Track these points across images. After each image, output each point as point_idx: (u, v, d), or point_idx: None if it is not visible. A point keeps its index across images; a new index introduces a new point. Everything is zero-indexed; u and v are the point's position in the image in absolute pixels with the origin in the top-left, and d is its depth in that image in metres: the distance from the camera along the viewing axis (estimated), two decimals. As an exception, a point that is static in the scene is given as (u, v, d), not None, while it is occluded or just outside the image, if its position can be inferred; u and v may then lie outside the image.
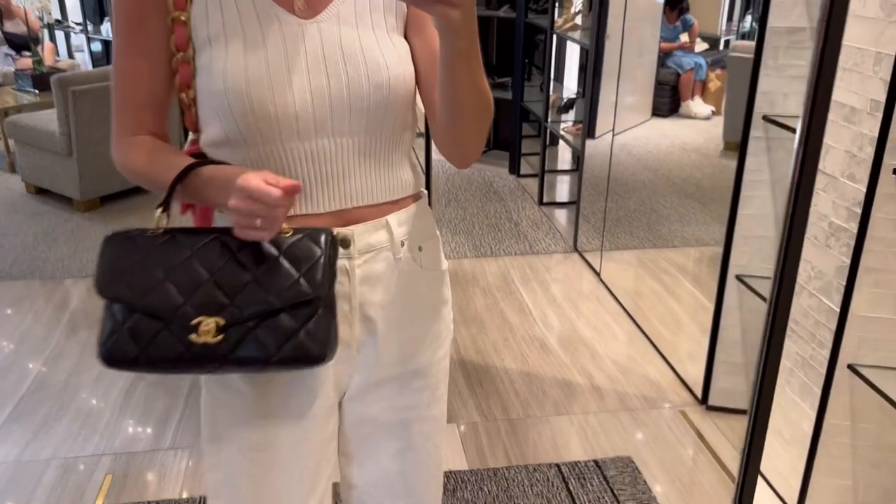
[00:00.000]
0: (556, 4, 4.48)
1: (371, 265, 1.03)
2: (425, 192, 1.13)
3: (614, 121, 3.61)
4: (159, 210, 0.95)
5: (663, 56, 5.53)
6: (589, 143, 3.91)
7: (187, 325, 0.90)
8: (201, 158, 0.99)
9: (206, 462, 1.09)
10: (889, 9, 1.67)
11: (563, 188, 4.89)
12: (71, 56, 7.57)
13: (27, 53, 5.89)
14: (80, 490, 2.15)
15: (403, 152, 1.07)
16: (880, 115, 1.70)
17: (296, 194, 0.87)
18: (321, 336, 0.92)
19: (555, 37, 4.51)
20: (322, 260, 0.92)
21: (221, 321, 0.90)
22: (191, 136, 1.04)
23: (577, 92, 5.24)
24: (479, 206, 4.40)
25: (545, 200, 4.48)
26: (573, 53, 5.19)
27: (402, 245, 1.06)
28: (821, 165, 1.91)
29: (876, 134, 1.72)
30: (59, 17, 7.44)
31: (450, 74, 0.91)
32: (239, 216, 0.87)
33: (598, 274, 3.51)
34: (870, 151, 1.74)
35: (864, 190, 1.76)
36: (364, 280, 1.03)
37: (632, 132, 4.25)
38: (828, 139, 1.88)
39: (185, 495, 2.12)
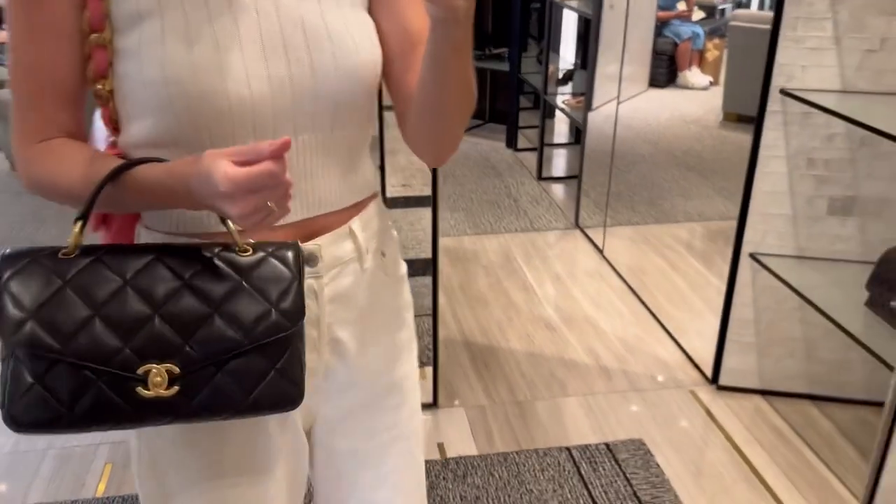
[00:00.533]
0: (554, -28, 4.37)
1: (338, 281, 0.91)
2: (378, 188, 1.01)
3: (619, 90, 3.53)
4: (78, 224, 0.76)
5: (660, 25, 5.44)
6: (589, 115, 3.82)
7: (130, 375, 0.73)
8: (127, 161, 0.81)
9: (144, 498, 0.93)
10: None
11: (560, 162, 4.82)
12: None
13: (5, 27, 5.71)
14: (80, 479, 2.09)
15: (366, 147, 0.95)
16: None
17: (287, 152, 0.70)
18: (297, 374, 0.79)
19: (552, 5, 4.40)
20: (294, 285, 0.79)
21: (175, 368, 0.74)
22: (106, 136, 0.87)
23: (575, 63, 5.15)
24: (476, 181, 4.32)
25: (544, 175, 4.41)
26: (569, 23, 5.08)
27: (367, 253, 0.93)
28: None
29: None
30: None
31: (440, 69, 0.79)
32: (247, 214, 0.71)
33: (600, 251, 3.46)
34: None
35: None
36: (333, 299, 0.90)
37: (629, 103, 4.15)
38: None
39: (188, 485, 2.07)
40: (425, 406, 2.37)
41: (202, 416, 0.77)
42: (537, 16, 5.32)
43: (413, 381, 1.05)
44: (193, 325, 0.74)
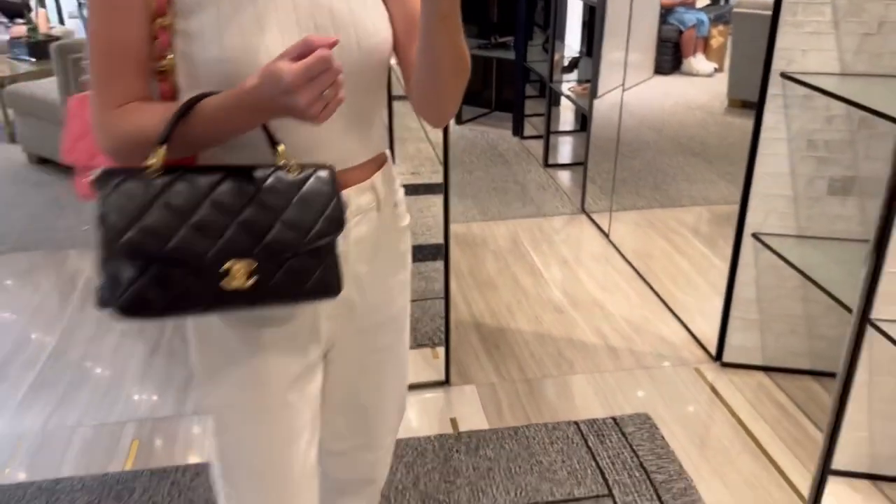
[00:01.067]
0: (560, -38, 4.42)
1: (360, 227, 1.08)
2: (388, 151, 1.17)
3: (624, 77, 3.58)
4: (162, 147, 0.88)
5: (665, 12, 5.48)
6: (594, 102, 3.88)
7: (216, 271, 0.87)
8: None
9: (204, 404, 1.10)
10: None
11: (566, 149, 4.88)
12: (62, 22, 7.44)
13: (20, 21, 5.79)
14: (109, 455, 2.18)
15: (379, 111, 1.11)
16: None
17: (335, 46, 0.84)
18: (337, 270, 0.98)
19: (558, -5, 4.45)
20: (335, 199, 0.96)
21: (252, 264, 0.89)
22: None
23: (580, 51, 5.20)
24: (484, 169, 4.39)
25: (550, 162, 4.47)
26: (575, 11, 5.13)
27: (384, 205, 1.11)
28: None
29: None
30: (49, -18, 7.29)
31: (430, 36, 0.92)
32: (311, 102, 0.82)
33: (606, 235, 3.53)
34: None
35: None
36: (357, 241, 1.08)
37: (634, 91, 4.21)
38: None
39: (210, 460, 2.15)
40: (438, 384, 2.47)
41: (269, 302, 0.93)
42: (543, 4, 5.37)
43: (407, 312, 1.27)
44: (261, 231, 0.89)
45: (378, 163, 1.11)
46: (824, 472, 1.83)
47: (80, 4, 7.14)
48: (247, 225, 0.89)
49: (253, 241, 0.89)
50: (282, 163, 0.94)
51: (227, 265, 0.88)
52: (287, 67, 0.81)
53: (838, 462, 2.07)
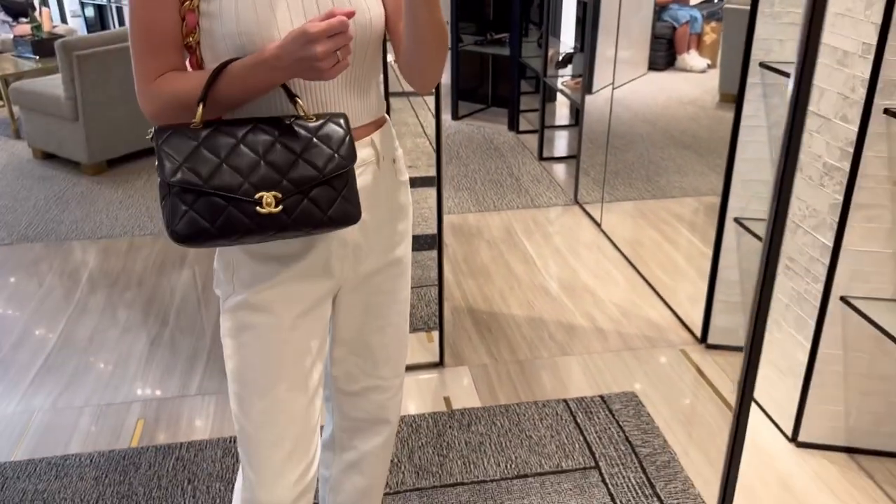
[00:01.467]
0: (553, -41, 4.50)
1: (363, 177, 1.22)
2: (387, 115, 1.32)
3: (614, 74, 3.67)
4: (200, 105, 1.06)
5: (659, 9, 5.55)
6: (587, 98, 3.97)
7: (251, 200, 1.04)
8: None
9: (224, 327, 1.24)
10: (880, -46, 1.74)
11: (561, 143, 4.96)
12: (64, 21, 7.53)
13: (24, 20, 5.88)
14: (115, 433, 2.27)
15: (375, 80, 1.25)
16: (871, 58, 1.79)
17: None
18: (355, 200, 1.13)
19: (552, -8, 4.54)
20: (347, 138, 1.12)
21: (279, 195, 1.06)
22: None
23: (574, 46, 5.28)
24: (480, 162, 4.47)
25: (545, 155, 4.56)
26: (569, 7, 5.21)
27: (383, 159, 1.26)
28: (815, 108, 2.00)
29: (867, 76, 1.81)
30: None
31: (413, 10, 1.09)
32: (327, 53, 0.99)
33: (598, 225, 3.61)
34: (862, 93, 1.83)
35: (857, 130, 1.86)
36: (360, 189, 1.20)
37: (629, 86, 4.30)
38: (822, 82, 1.97)
39: (213, 436, 2.24)
40: (432, 365, 2.55)
41: (297, 228, 1.08)
42: (538, 1, 5.45)
43: (409, 259, 1.39)
44: (286, 167, 1.07)
45: (377, 124, 1.26)
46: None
47: (82, 4, 7.23)
48: (272, 162, 1.06)
49: (279, 175, 1.06)
50: (301, 113, 1.11)
51: (258, 195, 1.05)
52: (312, 24, 0.99)
53: (814, 435, 2.17)
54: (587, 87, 4.00)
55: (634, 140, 4.47)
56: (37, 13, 5.79)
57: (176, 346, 2.69)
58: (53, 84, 4.22)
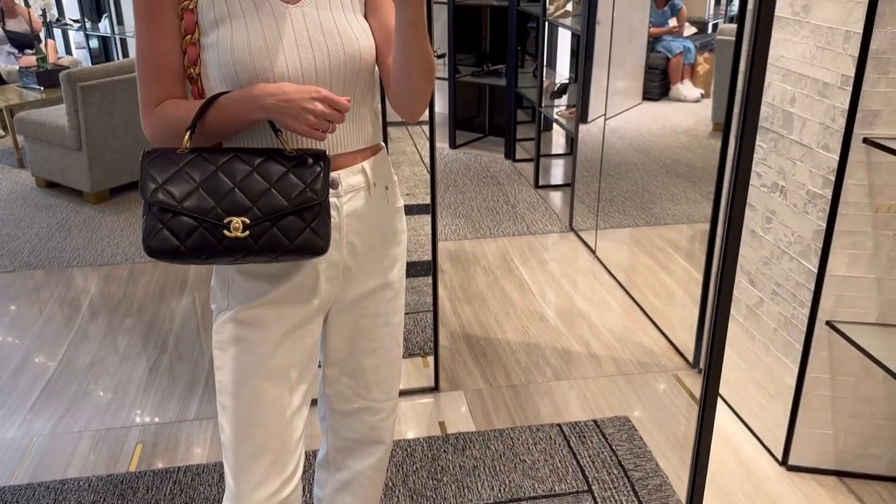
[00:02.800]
0: (548, -8, 4.61)
1: (353, 202, 1.28)
2: (383, 144, 1.37)
3: (606, 105, 3.75)
4: (188, 132, 1.14)
5: (653, 41, 5.65)
6: (582, 127, 4.04)
7: (220, 223, 1.11)
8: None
9: (216, 339, 1.29)
10: (856, -9, 1.81)
11: (557, 171, 5.03)
12: (68, 52, 7.66)
13: (29, 51, 5.99)
14: (114, 458, 2.29)
15: (368, 109, 1.30)
16: (850, 89, 1.85)
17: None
18: (323, 233, 1.17)
19: (547, 24, 4.64)
20: (321, 174, 1.17)
21: (247, 220, 1.12)
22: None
23: (570, 77, 5.37)
24: (476, 190, 4.54)
25: (541, 183, 4.62)
26: (565, 40, 5.32)
27: (374, 185, 1.31)
28: (797, 137, 2.06)
29: (847, 106, 1.87)
30: (57, 15, 7.53)
31: (402, 39, 1.15)
32: (315, 116, 1.09)
33: (593, 251, 3.66)
34: (842, 123, 1.89)
35: (837, 158, 1.91)
36: (349, 214, 1.28)
37: (623, 116, 4.38)
38: (804, 113, 2.03)
39: (211, 461, 2.27)
40: (428, 390, 2.59)
41: (263, 254, 1.14)
42: (534, 34, 5.56)
43: (402, 284, 1.43)
44: (257, 195, 1.13)
45: (372, 151, 1.32)
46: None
47: (86, 36, 7.37)
48: (244, 189, 1.13)
49: (249, 202, 1.13)
50: (282, 147, 1.18)
51: (227, 219, 1.11)
52: (325, 93, 1.10)
53: (804, 459, 2.19)
54: (582, 117, 4.08)
55: (629, 168, 4.54)
56: (42, 45, 5.90)
57: (175, 372, 2.72)
58: (58, 114, 4.31)
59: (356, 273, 1.33)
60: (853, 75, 1.84)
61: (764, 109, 2.21)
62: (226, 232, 1.11)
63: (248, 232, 1.12)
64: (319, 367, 1.44)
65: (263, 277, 1.25)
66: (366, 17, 1.27)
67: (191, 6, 1.16)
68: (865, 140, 1.87)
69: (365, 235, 1.31)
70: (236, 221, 1.11)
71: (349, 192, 1.27)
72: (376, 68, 1.29)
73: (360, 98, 1.27)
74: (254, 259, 1.15)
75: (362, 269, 1.33)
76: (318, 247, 1.17)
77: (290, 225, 1.14)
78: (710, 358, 1.54)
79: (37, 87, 5.27)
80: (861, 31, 1.81)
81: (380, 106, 3.92)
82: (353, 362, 1.42)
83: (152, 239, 1.11)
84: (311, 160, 1.17)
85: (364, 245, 1.31)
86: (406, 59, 1.18)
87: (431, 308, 2.64)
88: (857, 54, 1.83)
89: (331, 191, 1.22)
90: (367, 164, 1.29)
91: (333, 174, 1.24)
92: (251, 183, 1.13)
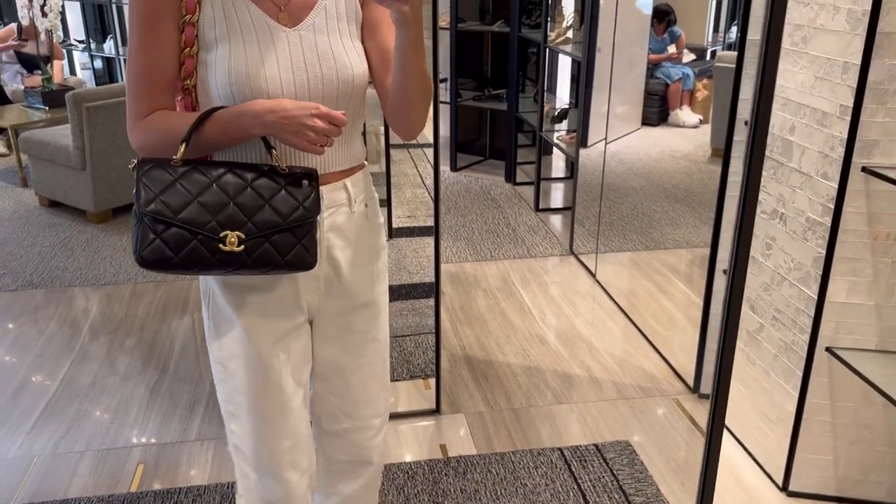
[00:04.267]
0: (549, 19, 4.67)
1: (334, 217, 1.32)
2: (366, 162, 1.42)
3: (606, 130, 3.79)
4: (183, 144, 1.17)
5: (652, 67, 5.72)
6: (582, 151, 4.08)
7: (215, 237, 1.14)
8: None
9: (212, 357, 1.35)
10: (854, 22, 1.85)
11: (557, 195, 5.07)
12: (73, 73, 7.72)
13: (38, 72, 6.05)
14: (115, 478, 2.29)
15: (357, 131, 1.35)
16: (849, 119, 1.89)
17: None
18: (313, 248, 1.23)
19: (547, 50, 4.70)
20: (313, 193, 1.22)
21: (242, 235, 1.16)
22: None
23: (570, 102, 5.43)
24: (477, 213, 4.57)
25: (541, 207, 4.65)
26: (565, 66, 5.38)
27: (355, 202, 1.35)
28: (797, 165, 2.09)
29: (846, 135, 1.90)
30: (63, 36, 7.61)
31: (401, 60, 1.20)
32: (315, 132, 1.14)
33: (593, 275, 3.68)
34: (840, 152, 1.92)
35: (836, 187, 1.94)
36: (330, 228, 1.32)
37: (623, 141, 4.42)
38: (803, 141, 2.06)
39: (212, 482, 2.27)
40: (429, 412, 2.59)
41: (255, 268, 1.17)
42: (535, 59, 5.63)
43: (385, 301, 1.47)
44: (253, 211, 1.17)
45: (352, 171, 1.36)
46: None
47: (91, 57, 7.43)
48: (240, 204, 1.16)
49: (245, 217, 1.16)
50: (275, 164, 1.22)
51: (223, 233, 1.15)
52: (324, 109, 1.14)
53: (805, 485, 2.20)
54: (582, 142, 4.12)
55: (628, 193, 4.58)
56: (49, 66, 5.95)
57: (176, 393, 2.73)
58: (62, 134, 4.34)
59: (338, 287, 1.37)
60: (851, 105, 1.88)
61: (764, 137, 2.24)
62: (221, 245, 1.14)
63: (242, 246, 1.15)
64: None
65: (247, 291, 1.29)
66: (363, 40, 1.31)
67: (193, 20, 1.19)
68: (864, 169, 1.90)
69: (346, 250, 1.35)
70: (231, 236, 1.15)
71: (331, 208, 1.31)
72: (367, 91, 1.34)
73: (351, 120, 1.30)
74: (245, 272, 1.19)
75: (347, 285, 1.38)
76: (308, 262, 1.22)
77: (282, 241, 1.18)
78: (716, 388, 1.55)
79: (42, 106, 5.31)
80: (859, 63, 1.84)
81: (382, 128, 3.96)
82: (341, 380, 1.45)
83: (144, 249, 1.13)
84: (304, 179, 1.22)
85: (346, 260, 1.36)
86: (405, 79, 1.22)
87: (433, 330, 2.65)
88: (855, 85, 1.86)
89: None
90: (348, 181, 1.34)
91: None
92: (247, 199, 1.17)
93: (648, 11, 4.80)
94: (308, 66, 1.23)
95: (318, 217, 1.27)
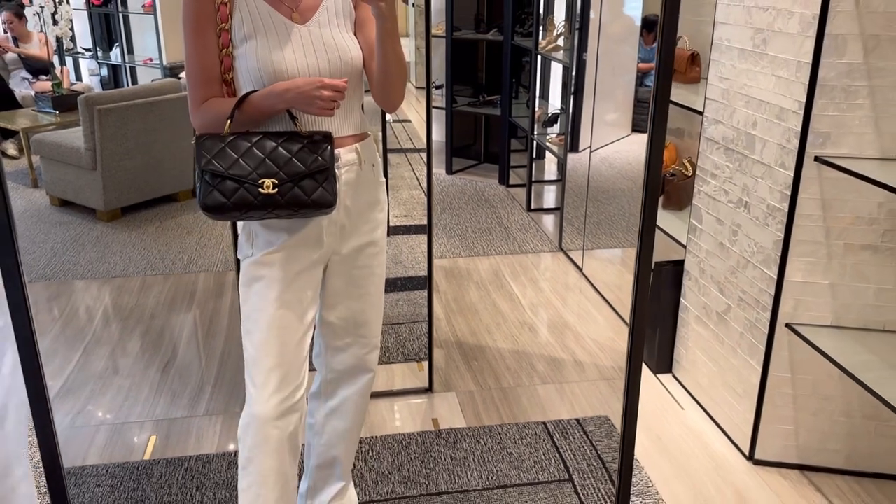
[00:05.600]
0: (540, 28, 4.88)
1: (348, 174, 1.66)
2: (370, 132, 1.74)
3: (591, 135, 3.99)
4: (228, 121, 1.51)
5: (641, 76, 5.94)
6: (573, 155, 4.27)
7: (255, 184, 1.49)
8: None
9: (243, 279, 1.65)
10: (805, 25, 2.05)
11: (549, 196, 5.26)
12: (79, 79, 7.93)
13: (44, 77, 6.25)
14: (129, 448, 2.47)
15: (357, 103, 1.68)
16: (802, 114, 2.08)
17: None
18: (332, 190, 1.56)
19: (539, 57, 4.91)
20: (329, 148, 1.56)
21: (276, 181, 1.50)
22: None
23: (561, 108, 5.63)
24: (471, 212, 4.75)
25: (533, 207, 4.84)
26: (557, 72, 5.58)
27: (364, 162, 1.68)
28: (759, 157, 2.28)
29: (800, 128, 2.09)
30: (72, 44, 7.82)
31: (380, 45, 1.53)
32: (322, 100, 1.47)
33: (580, 269, 3.87)
34: (796, 143, 2.11)
35: (793, 175, 2.13)
36: (345, 183, 1.65)
37: (613, 146, 4.62)
38: (764, 135, 2.25)
39: (220, 451, 2.44)
40: (422, 391, 2.76)
41: (287, 207, 1.51)
42: (528, 67, 5.83)
43: (384, 244, 1.80)
44: (283, 163, 1.53)
45: (361, 137, 1.70)
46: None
47: (98, 64, 7.64)
48: (273, 159, 1.52)
49: (276, 168, 1.52)
50: (298, 129, 1.56)
51: (261, 181, 1.51)
52: (327, 79, 1.49)
53: (769, 454, 2.37)
54: (571, 147, 4.31)
55: (616, 194, 4.77)
56: (57, 71, 6.15)
57: (185, 374, 2.90)
58: (74, 136, 4.53)
59: (349, 231, 1.71)
60: (804, 101, 2.07)
61: (729, 132, 2.43)
62: (260, 189, 1.49)
63: (276, 189, 1.50)
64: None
65: (282, 229, 1.61)
66: (354, 34, 1.64)
67: (226, 27, 1.54)
68: (817, 158, 2.08)
69: (356, 200, 1.69)
70: (268, 182, 1.50)
71: (346, 166, 1.65)
72: (363, 73, 1.66)
73: (351, 93, 1.62)
74: (280, 212, 1.53)
75: (354, 228, 1.71)
76: (328, 201, 1.55)
77: (307, 185, 1.53)
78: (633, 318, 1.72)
79: (52, 110, 5.50)
80: (810, 62, 2.04)
81: (381, 134, 4.15)
82: (346, 305, 1.79)
83: (206, 197, 1.49)
84: (319, 138, 1.55)
85: (356, 208, 1.70)
86: (384, 61, 1.55)
87: (426, 318, 2.83)
88: (807, 82, 2.06)
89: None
90: (359, 146, 1.67)
91: (335, 151, 1.60)
92: (277, 155, 1.52)
93: (638, 22, 4.99)
94: (317, 53, 1.57)
95: (337, 172, 1.60)
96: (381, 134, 4.21)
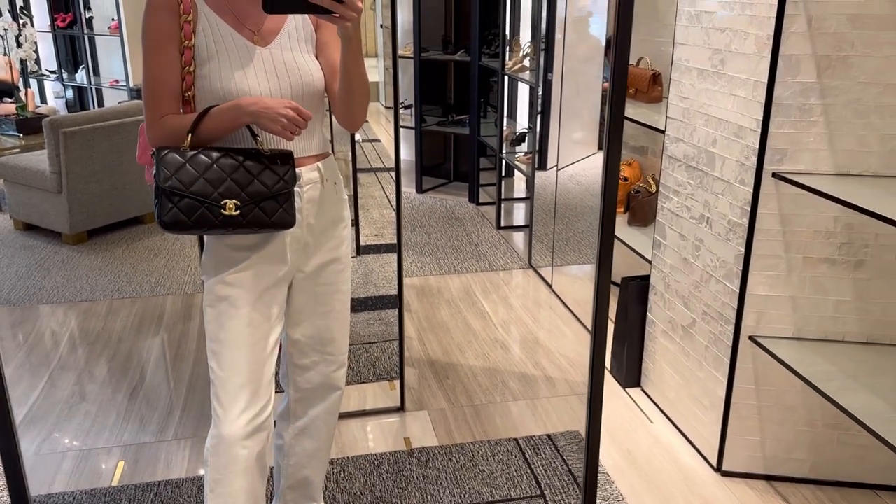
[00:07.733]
0: (507, 49, 4.95)
1: (311, 192, 1.67)
2: (331, 152, 1.76)
3: (558, 153, 4.05)
4: (189, 135, 1.51)
5: (607, 95, 6.05)
6: (540, 174, 4.33)
7: (217, 204, 1.50)
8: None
9: (207, 299, 1.64)
10: (760, 46, 2.12)
11: (519, 214, 5.31)
12: (44, 101, 7.84)
13: (8, 100, 6.17)
14: (97, 475, 2.43)
15: (319, 124, 1.70)
16: (759, 131, 2.14)
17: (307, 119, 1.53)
18: (292, 212, 1.58)
19: (506, 78, 4.98)
20: (290, 169, 1.58)
21: (238, 202, 1.51)
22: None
23: (528, 127, 5.70)
24: (442, 231, 4.78)
25: (502, 224, 4.89)
26: (524, 92, 5.66)
27: (326, 180, 1.70)
28: (719, 174, 2.34)
29: (758, 146, 2.15)
30: (34, 66, 7.73)
31: (344, 65, 1.53)
32: (287, 119, 1.47)
33: (550, 286, 3.90)
34: (754, 160, 2.17)
35: (752, 191, 2.19)
36: (308, 201, 1.67)
37: (580, 164, 4.68)
38: (723, 152, 2.31)
39: (190, 475, 2.41)
40: (394, 410, 2.77)
41: (249, 227, 1.52)
42: (496, 87, 5.90)
43: (348, 260, 1.82)
44: (245, 184, 1.53)
45: (323, 156, 1.72)
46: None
47: (63, 86, 7.57)
48: (235, 179, 1.52)
49: (239, 189, 1.53)
50: (260, 147, 1.57)
51: (223, 201, 1.51)
52: (294, 105, 1.50)
53: (736, 465, 2.41)
54: (539, 165, 4.36)
55: (584, 211, 4.83)
56: (22, 94, 6.08)
57: (153, 398, 2.87)
58: (39, 159, 4.48)
59: (313, 248, 1.72)
60: (762, 119, 2.13)
61: (690, 150, 2.49)
62: (222, 211, 1.50)
63: (238, 211, 1.51)
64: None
65: (244, 248, 1.62)
66: (316, 56, 1.65)
67: (190, 45, 1.54)
68: (774, 175, 2.15)
69: (319, 217, 1.71)
70: (230, 203, 1.51)
71: (308, 184, 1.67)
72: (324, 95, 1.68)
73: (313, 118, 1.63)
74: (241, 231, 1.54)
75: (318, 246, 1.73)
76: (288, 222, 1.57)
77: (268, 206, 1.55)
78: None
79: (16, 133, 5.43)
80: (766, 82, 2.10)
81: (350, 154, 4.17)
82: (311, 323, 1.80)
83: (165, 215, 1.48)
84: (281, 160, 1.56)
85: (319, 225, 1.71)
86: (349, 82, 1.56)
87: (397, 338, 2.84)
88: (763, 101, 2.12)
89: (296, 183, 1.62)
90: (321, 164, 1.70)
91: (297, 170, 1.63)
92: (240, 174, 1.53)
93: (604, 42, 5.08)
94: (278, 74, 1.59)
95: (298, 191, 1.62)
96: (350, 153, 4.23)
